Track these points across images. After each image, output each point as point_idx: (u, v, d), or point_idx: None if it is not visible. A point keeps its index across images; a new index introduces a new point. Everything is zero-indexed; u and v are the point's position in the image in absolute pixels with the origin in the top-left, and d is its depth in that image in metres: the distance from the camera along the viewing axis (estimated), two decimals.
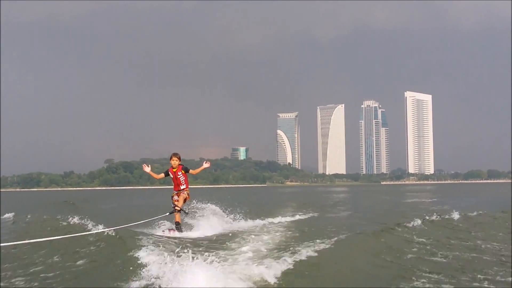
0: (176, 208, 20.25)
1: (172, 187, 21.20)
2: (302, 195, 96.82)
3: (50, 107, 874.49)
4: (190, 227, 21.29)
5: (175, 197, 20.73)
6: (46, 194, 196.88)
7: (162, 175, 20.95)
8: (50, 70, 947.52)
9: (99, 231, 17.65)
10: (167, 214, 20.81)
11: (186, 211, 21.16)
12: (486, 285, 11.63)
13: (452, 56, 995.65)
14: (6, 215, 34.08)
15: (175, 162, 20.61)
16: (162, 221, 21.49)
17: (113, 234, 16.90)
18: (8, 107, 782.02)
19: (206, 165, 21.35)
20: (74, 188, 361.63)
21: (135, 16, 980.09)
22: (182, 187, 20.76)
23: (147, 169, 20.83)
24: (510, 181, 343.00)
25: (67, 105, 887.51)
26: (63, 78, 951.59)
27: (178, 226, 20.05)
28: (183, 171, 20.72)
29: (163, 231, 19.97)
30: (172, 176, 20.77)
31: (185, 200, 20.82)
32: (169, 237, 18.02)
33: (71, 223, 24.07)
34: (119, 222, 20.73)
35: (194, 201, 23.49)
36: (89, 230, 19.31)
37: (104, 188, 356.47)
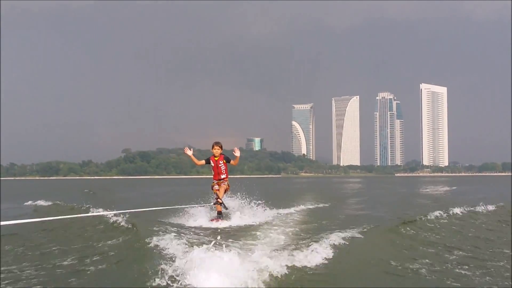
0: (218, 200, 20.06)
1: (212, 176, 20.82)
2: (317, 186, 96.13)
3: (68, 98, 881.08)
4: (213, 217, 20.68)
5: (216, 187, 20.50)
6: (65, 182, 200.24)
7: (203, 161, 20.58)
8: (68, 60, 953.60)
9: (135, 211, 17.97)
10: (212, 204, 20.74)
11: (227, 207, 20.69)
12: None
13: (467, 47, 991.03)
14: (29, 202, 35.03)
15: (217, 151, 20.32)
16: (193, 210, 21.22)
17: (135, 223, 16.96)
18: (27, 98, 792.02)
19: (237, 153, 20.58)
20: (92, 177, 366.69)
21: (150, 5, 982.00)
22: (222, 176, 20.43)
23: (189, 152, 20.64)
24: None
25: (85, 96, 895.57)
26: (81, 68, 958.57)
27: (220, 215, 19.99)
28: (224, 161, 20.42)
29: (209, 220, 19.76)
30: (213, 165, 20.43)
31: (225, 191, 20.60)
32: (193, 227, 17.92)
33: (92, 210, 23.24)
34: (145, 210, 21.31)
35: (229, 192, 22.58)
36: (112, 221, 19.08)
37: (121, 177, 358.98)
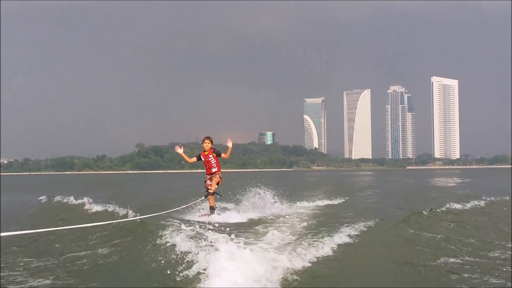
0: (210, 191, 20.20)
1: (204, 171, 21.21)
2: (329, 179, 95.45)
3: (81, 94, 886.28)
4: (223, 212, 21.30)
5: (208, 181, 20.65)
6: (79, 177, 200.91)
7: (194, 158, 20.96)
8: (81, 56, 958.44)
9: (131, 219, 17.28)
10: (203, 198, 20.74)
11: (220, 194, 20.86)
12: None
13: (478, 39, 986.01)
14: (41, 197, 34.65)
15: (207, 144, 20.55)
16: (198, 206, 21.54)
17: (145, 221, 16.61)
18: (40, 94, 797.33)
19: (230, 144, 20.62)
20: (106, 172, 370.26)
21: (160, 1, 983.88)
22: (214, 170, 20.64)
23: (180, 150, 20.94)
24: None
25: (97, 92, 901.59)
26: (94, 64, 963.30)
27: (213, 210, 20.07)
28: (214, 154, 20.59)
29: (198, 216, 19.99)
30: (203, 160, 20.69)
31: (218, 184, 20.67)
32: (201, 222, 17.00)
33: (105, 208, 23.32)
34: (158, 206, 21.75)
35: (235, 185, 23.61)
36: (122, 217, 19.38)
37: (135, 171, 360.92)
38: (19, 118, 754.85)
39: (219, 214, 20.03)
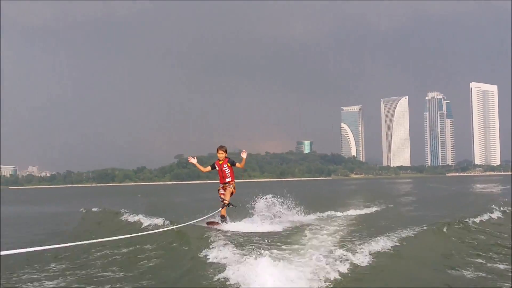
0: (225, 202, 20.10)
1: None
2: (367, 187, 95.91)
3: (120, 107, 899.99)
4: (252, 221, 21.02)
5: (221, 191, 20.58)
6: (120, 188, 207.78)
7: (209, 168, 20.62)
8: (119, 68, 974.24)
9: (158, 231, 16.70)
10: (219, 210, 20.36)
11: (234, 205, 20.67)
12: None
13: None
14: (81, 209, 33.75)
15: (221, 155, 20.38)
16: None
17: (176, 230, 16.77)
18: (80, 107, 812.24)
19: (244, 155, 20.54)
20: (146, 183, 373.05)
21: (194, 8, 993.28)
22: (227, 180, 20.47)
23: (193, 160, 20.93)
24: None
25: (136, 104, 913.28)
26: (131, 77, 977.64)
27: (224, 219, 20.08)
28: (228, 164, 20.43)
29: (206, 223, 19.89)
30: (217, 169, 20.49)
31: (231, 194, 20.50)
32: (213, 228, 17.88)
33: (137, 219, 22.74)
34: (187, 215, 21.31)
35: (259, 193, 23.40)
36: (153, 227, 19.31)
37: (175, 182, 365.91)
38: (59, 132, 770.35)
39: (225, 223, 20.01)
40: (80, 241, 13.37)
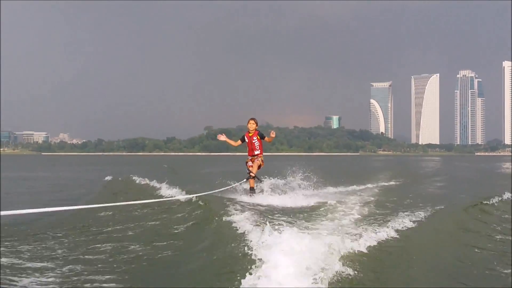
0: (251, 174, 19.82)
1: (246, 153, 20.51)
2: (396, 164, 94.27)
3: (152, 77, 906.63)
4: (276, 194, 20.33)
5: (249, 163, 20.15)
6: (150, 158, 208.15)
7: (239, 141, 20.38)
8: (150, 38, 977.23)
9: (180, 197, 17.77)
10: (244, 180, 20.32)
11: (261, 179, 20.57)
12: None
13: None
14: (107, 178, 33.86)
15: (252, 125, 19.90)
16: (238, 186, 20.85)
17: (201, 202, 16.75)
18: (115, 76, 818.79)
19: (273, 135, 19.79)
20: (176, 153, 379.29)
21: None
22: (256, 152, 20.01)
23: (223, 137, 20.75)
24: None
25: (167, 74, 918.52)
26: (163, 48, 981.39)
27: (253, 191, 19.78)
28: (258, 137, 19.91)
29: (249, 195, 19.55)
30: (247, 141, 20.09)
31: (259, 167, 20.15)
32: (251, 203, 17.44)
33: (162, 188, 23.32)
34: (213, 186, 20.31)
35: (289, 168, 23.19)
36: (172, 197, 19.51)
37: (204, 153, 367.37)
38: (92, 100, 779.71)
39: (252, 195, 19.57)
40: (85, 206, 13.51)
